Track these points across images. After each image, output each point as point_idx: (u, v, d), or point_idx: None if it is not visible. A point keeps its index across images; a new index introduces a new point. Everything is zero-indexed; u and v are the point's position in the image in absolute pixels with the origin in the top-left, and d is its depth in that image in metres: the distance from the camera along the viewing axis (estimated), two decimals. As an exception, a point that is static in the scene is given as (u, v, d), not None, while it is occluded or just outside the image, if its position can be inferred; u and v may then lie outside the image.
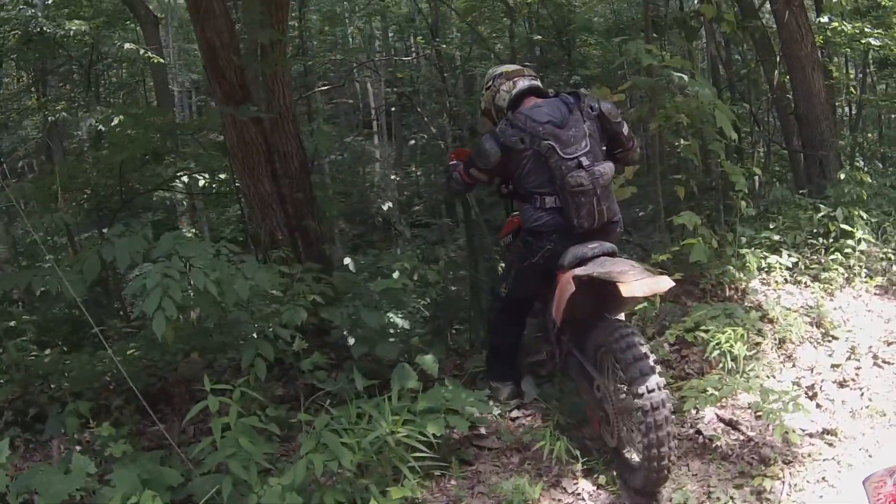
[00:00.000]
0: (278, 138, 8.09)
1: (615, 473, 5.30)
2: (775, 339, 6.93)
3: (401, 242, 17.58)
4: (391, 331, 6.47)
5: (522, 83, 6.01)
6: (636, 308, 6.76)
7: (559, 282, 5.40)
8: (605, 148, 5.90)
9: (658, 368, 4.87)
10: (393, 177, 21.01)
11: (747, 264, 7.69)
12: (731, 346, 6.28)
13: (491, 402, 6.01)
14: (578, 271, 5.24)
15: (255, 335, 5.91)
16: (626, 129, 6.02)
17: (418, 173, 21.30)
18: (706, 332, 6.45)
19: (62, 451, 5.71)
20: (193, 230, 16.42)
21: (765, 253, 8.17)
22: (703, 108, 7.30)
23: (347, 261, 8.58)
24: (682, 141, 7.52)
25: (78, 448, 5.64)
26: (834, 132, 11.62)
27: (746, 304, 7.38)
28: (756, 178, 11.24)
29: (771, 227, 8.80)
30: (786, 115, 12.48)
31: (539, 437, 5.65)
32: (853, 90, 16.36)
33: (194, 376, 7.11)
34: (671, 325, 6.85)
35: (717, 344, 6.30)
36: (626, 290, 4.89)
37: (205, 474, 4.77)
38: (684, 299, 7.64)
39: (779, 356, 6.81)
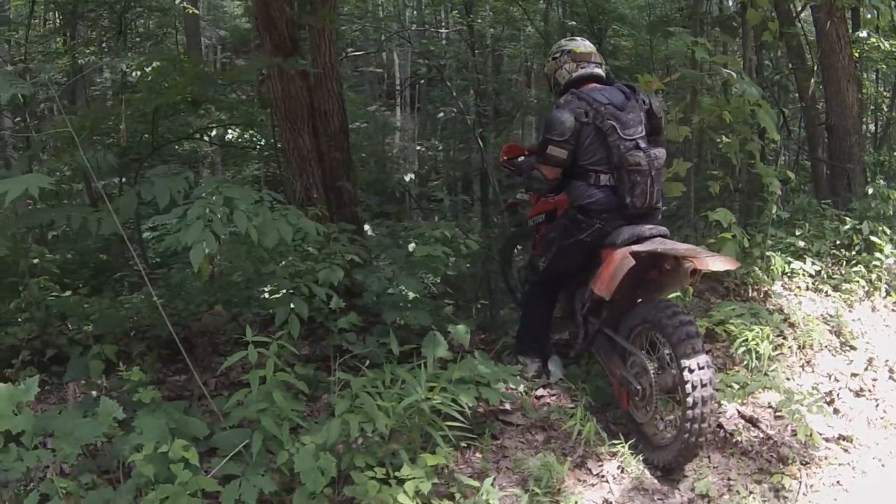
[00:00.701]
0: (321, 96, 8.06)
1: (641, 455, 5.42)
2: (797, 343, 7.02)
3: (414, 215, 17.57)
4: (428, 298, 6.49)
5: (584, 70, 6.15)
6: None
7: (612, 258, 5.52)
8: None
9: (714, 374, 5.05)
10: (418, 147, 21.00)
11: (772, 267, 7.81)
12: (758, 344, 6.40)
13: (518, 379, 5.99)
14: (637, 248, 5.43)
15: (290, 291, 5.88)
16: (663, 123, 6.22)
17: (439, 147, 21.28)
18: (734, 327, 6.56)
19: (78, 395, 5.67)
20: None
21: (789, 258, 8.26)
22: (744, 108, 7.35)
23: (366, 227, 8.61)
24: (723, 138, 7.57)
25: (94, 393, 5.62)
26: (862, 147, 11.64)
27: (769, 306, 7.48)
28: (782, 183, 11.25)
29: (797, 233, 8.87)
30: (814, 126, 12.49)
31: (566, 416, 5.75)
32: (883, 107, 16.34)
33: (218, 328, 7.20)
34: (696, 318, 6.86)
35: (745, 341, 6.43)
36: (702, 265, 5.13)
37: (231, 427, 4.74)
38: (708, 296, 7.77)
39: (799, 360, 6.91)
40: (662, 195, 6.04)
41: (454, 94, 17.91)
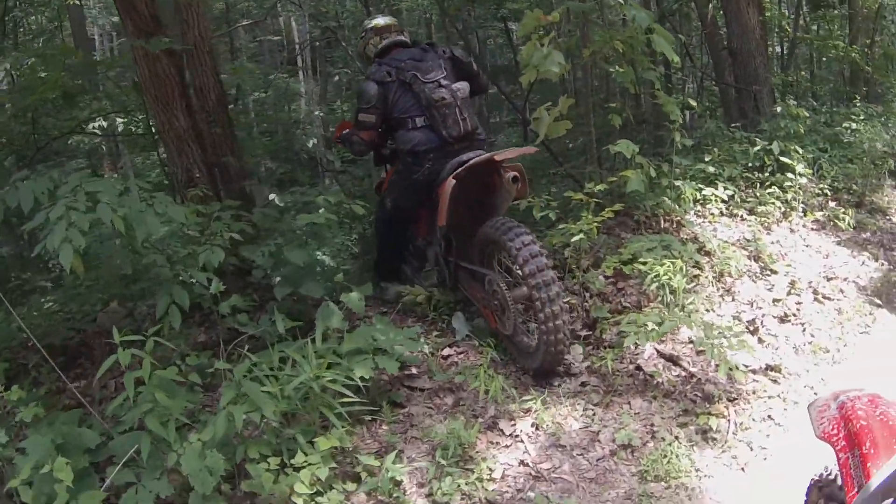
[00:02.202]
0: (194, 71, 7.75)
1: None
2: (714, 272, 6.82)
3: (327, 178, 17.30)
4: (318, 269, 6.19)
5: (388, 40, 6.94)
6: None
7: (442, 189, 6.13)
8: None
9: (551, 262, 5.53)
10: (317, 112, 20.64)
11: (683, 196, 7.60)
12: (670, 278, 6.10)
13: (421, 341, 5.91)
14: (457, 172, 6.03)
15: (170, 280, 5.54)
16: (474, 66, 6.97)
17: (344, 109, 20.93)
18: (643, 264, 6.26)
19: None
20: (115, 175, 15.90)
21: (700, 185, 8.07)
22: (637, 37, 7.08)
23: (272, 197, 8.38)
24: (617, 68, 7.29)
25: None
26: (767, 68, 11.52)
27: (682, 236, 7.27)
28: (688, 111, 11.06)
29: (706, 159, 8.64)
30: (718, 51, 12.43)
31: (472, 376, 5.46)
32: (787, 28, 16.31)
33: (114, 326, 6.82)
34: (606, 257, 6.67)
35: (656, 276, 6.11)
36: (499, 156, 5.99)
37: (125, 432, 4.50)
38: (619, 231, 7.51)
39: (717, 289, 6.71)
40: (477, 122, 6.66)
41: (350, 53, 17.57)
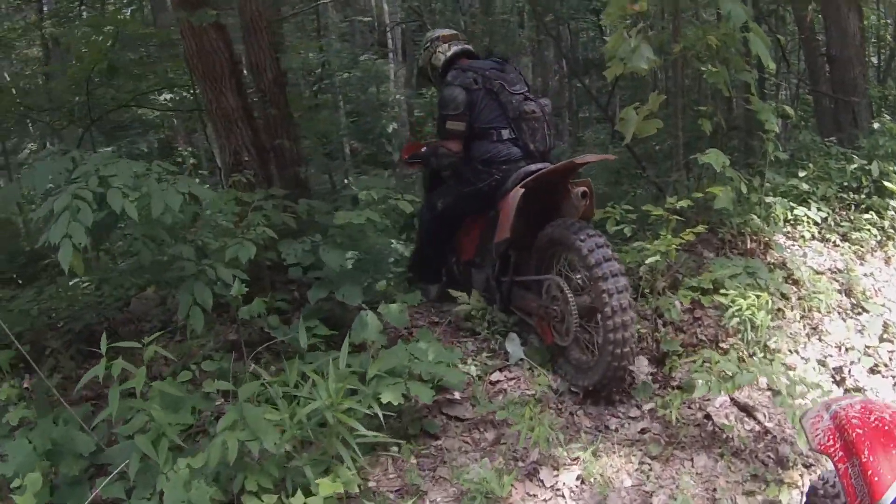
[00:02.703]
0: (249, 49, 7.51)
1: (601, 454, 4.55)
2: (801, 307, 6.17)
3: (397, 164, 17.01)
4: (361, 272, 5.66)
5: (457, 47, 6.78)
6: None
7: (506, 200, 5.80)
8: None
9: (624, 268, 5.16)
10: (398, 96, 20.24)
11: (773, 215, 7.03)
12: (753, 314, 5.44)
13: (469, 362, 5.48)
14: (525, 182, 5.72)
15: (194, 275, 5.05)
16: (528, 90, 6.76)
17: (431, 93, 20.54)
18: (724, 295, 5.62)
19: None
20: (189, 148, 15.76)
21: (791, 203, 7.44)
22: (732, 35, 6.47)
23: (347, 181, 8.07)
24: (709, 67, 6.66)
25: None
26: (866, 78, 10.79)
27: (769, 259, 6.67)
28: (783, 120, 10.39)
29: (800, 175, 7.98)
30: (814, 57, 11.78)
31: (518, 414, 4.80)
32: (886, 37, 15.56)
33: (146, 314, 6.63)
34: (685, 278, 6.09)
35: (738, 311, 5.47)
36: (580, 159, 5.64)
37: (130, 438, 4.03)
38: (701, 249, 6.92)
39: (804, 327, 6.05)
40: (553, 140, 6.47)
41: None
